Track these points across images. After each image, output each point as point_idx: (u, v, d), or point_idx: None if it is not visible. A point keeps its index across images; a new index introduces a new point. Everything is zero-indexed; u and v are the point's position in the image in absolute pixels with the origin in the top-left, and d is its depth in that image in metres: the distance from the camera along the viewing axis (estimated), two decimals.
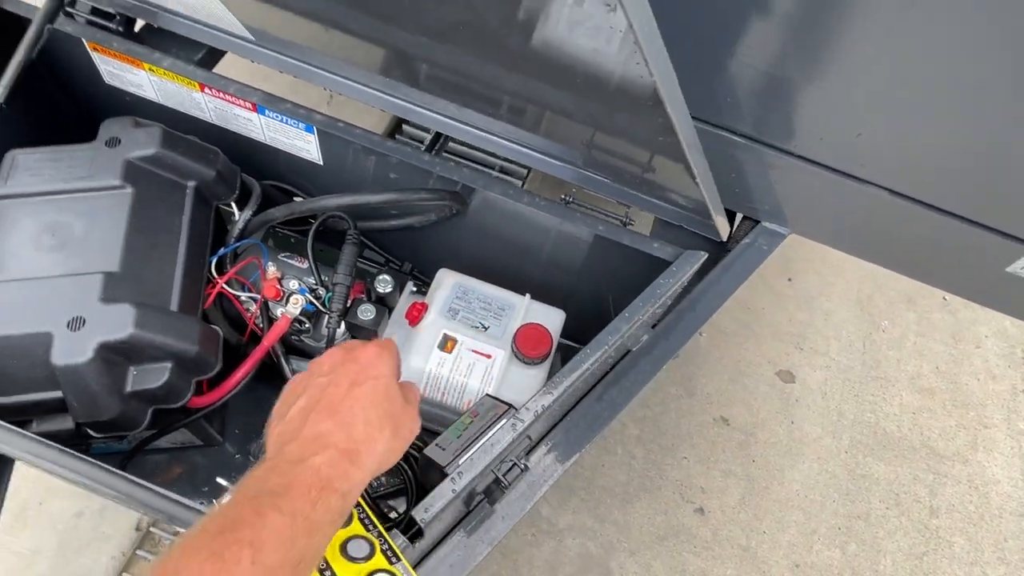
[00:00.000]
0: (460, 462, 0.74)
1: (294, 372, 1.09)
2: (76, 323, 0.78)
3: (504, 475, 0.77)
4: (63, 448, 0.68)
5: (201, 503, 0.68)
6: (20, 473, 1.54)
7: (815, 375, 1.98)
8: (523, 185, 1.37)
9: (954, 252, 1.24)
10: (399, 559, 0.62)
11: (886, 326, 2.10)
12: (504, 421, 0.78)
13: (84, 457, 0.68)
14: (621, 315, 0.87)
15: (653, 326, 1.17)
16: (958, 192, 1.12)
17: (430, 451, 0.80)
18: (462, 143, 1.43)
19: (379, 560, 0.61)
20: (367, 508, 0.65)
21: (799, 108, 1.09)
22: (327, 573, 0.59)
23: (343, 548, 0.62)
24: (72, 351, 0.77)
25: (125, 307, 0.80)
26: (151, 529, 1.54)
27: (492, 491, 0.79)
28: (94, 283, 0.81)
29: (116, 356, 0.80)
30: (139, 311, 0.80)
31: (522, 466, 0.79)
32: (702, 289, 1.23)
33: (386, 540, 0.63)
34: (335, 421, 0.57)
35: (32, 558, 1.47)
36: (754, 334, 2.02)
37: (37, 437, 0.67)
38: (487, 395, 0.90)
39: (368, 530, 0.64)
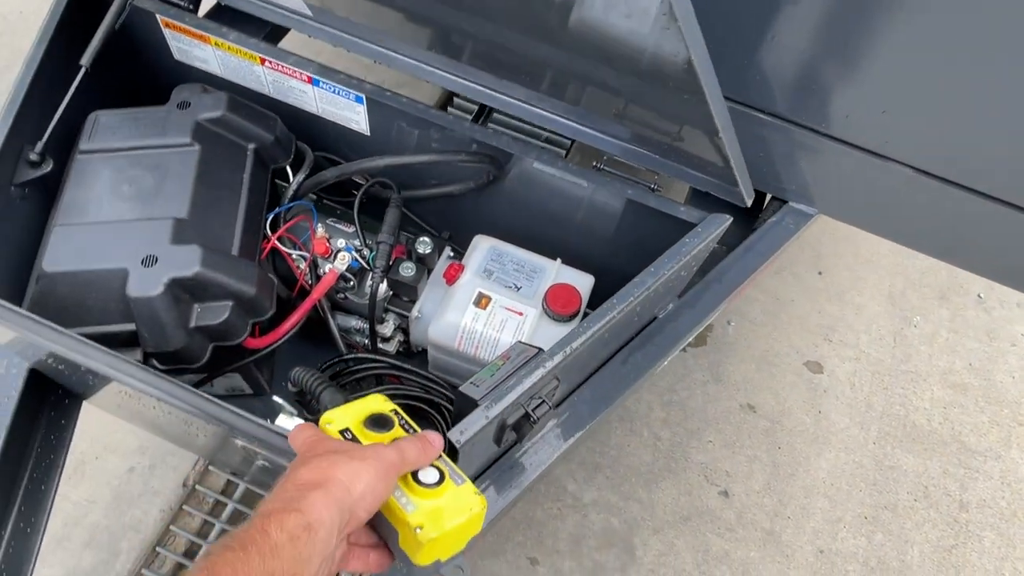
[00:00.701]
0: (492, 394, 0.80)
1: (338, 327, 1.17)
2: (149, 260, 0.87)
3: (533, 410, 0.82)
4: (149, 368, 0.75)
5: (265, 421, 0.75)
6: (79, 430, 1.65)
7: (844, 367, 1.98)
8: (566, 156, 1.43)
9: (980, 232, 1.26)
10: (463, 479, 0.65)
11: (918, 322, 2.09)
12: (534, 361, 0.83)
13: (172, 379, 0.76)
14: (647, 270, 0.92)
15: (680, 296, 1.22)
16: (985, 170, 1.14)
17: (465, 388, 0.85)
18: (505, 115, 1.51)
19: (448, 484, 0.63)
20: (408, 419, 0.70)
21: (826, 86, 1.13)
22: (403, 499, 0.62)
23: (414, 475, 0.64)
24: (146, 285, 0.85)
25: (193, 248, 0.88)
26: (196, 487, 1.63)
27: (521, 426, 0.84)
28: (165, 227, 0.89)
29: (183, 293, 0.88)
30: (205, 252, 0.88)
31: (551, 404, 0.84)
32: (729, 263, 1.27)
33: (454, 469, 0.66)
34: None
35: (88, 508, 1.57)
36: (782, 324, 2.04)
37: (132, 360, 0.74)
38: (519, 342, 0.95)
39: (406, 431, 0.68)
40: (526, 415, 0.83)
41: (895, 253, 2.20)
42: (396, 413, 0.70)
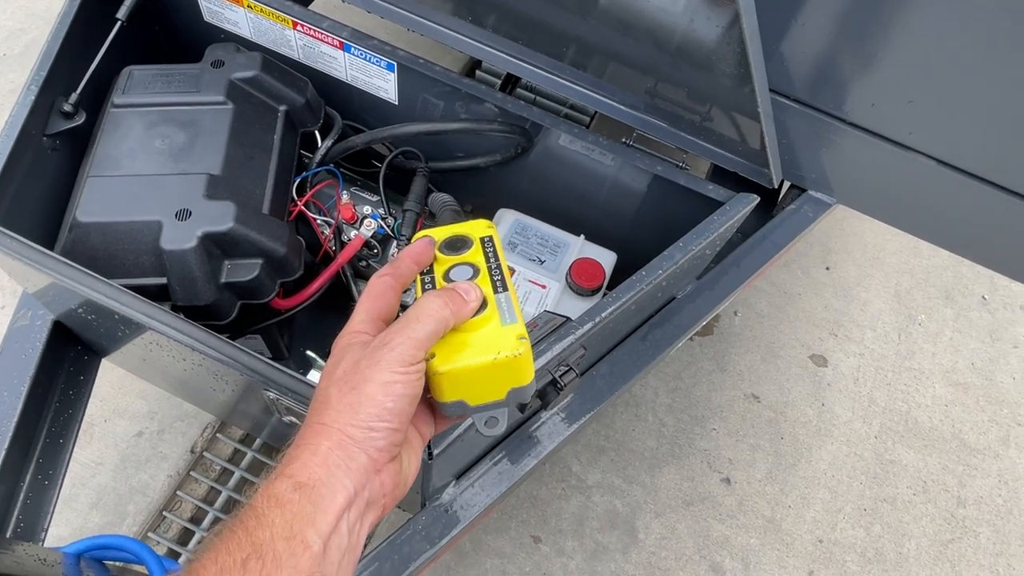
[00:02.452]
0: None
1: (359, 294, 1.17)
2: (183, 214, 0.87)
3: (560, 377, 0.83)
4: (188, 320, 0.76)
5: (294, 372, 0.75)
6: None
7: (848, 361, 2.00)
8: (588, 126, 1.44)
9: (1002, 228, 1.27)
10: (506, 289, 0.56)
11: (923, 320, 2.11)
12: (563, 328, 0.84)
13: (210, 331, 0.76)
14: (675, 244, 0.93)
15: (699, 277, 1.23)
16: (1011, 165, 1.15)
17: None
18: (531, 88, 1.51)
19: (489, 318, 0.54)
20: (497, 244, 0.61)
21: (851, 73, 1.13)
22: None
23: (446, 273, 0.58)
24: (179, 238, 0.86)
25: (227, 203, 0.88)
26: (204, 454, 1.64)
27: (548, 393, 0.85)
28: (199, 182, 0.90)
29: (215, 248, 0.89)
30: (239, 208, 0.88)
31: (577, 372, 0.85)
32: (747, 248, 1.28)
33: (500, 271, 0.57)
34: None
35: (96, 469, 1.58)
36: (789, 317, 2.05)
37: (168, 310, 0.75)
38: (546, 311, 0.96)
39: (486, 259, 0.59)
40: (553, 381, 0.84)
41: (902, 251, 2.22)
42: (488, 242, 0.60)
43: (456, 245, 0.60)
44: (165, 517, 1.56)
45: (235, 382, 0.85)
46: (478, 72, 1.55)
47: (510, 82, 1.50)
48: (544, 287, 1.07)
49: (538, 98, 1.50)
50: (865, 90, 1.14)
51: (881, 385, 1.98)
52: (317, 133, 1.11)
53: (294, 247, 0.95)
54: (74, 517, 1.52)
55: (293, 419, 0.84)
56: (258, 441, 1.65)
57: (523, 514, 1.68)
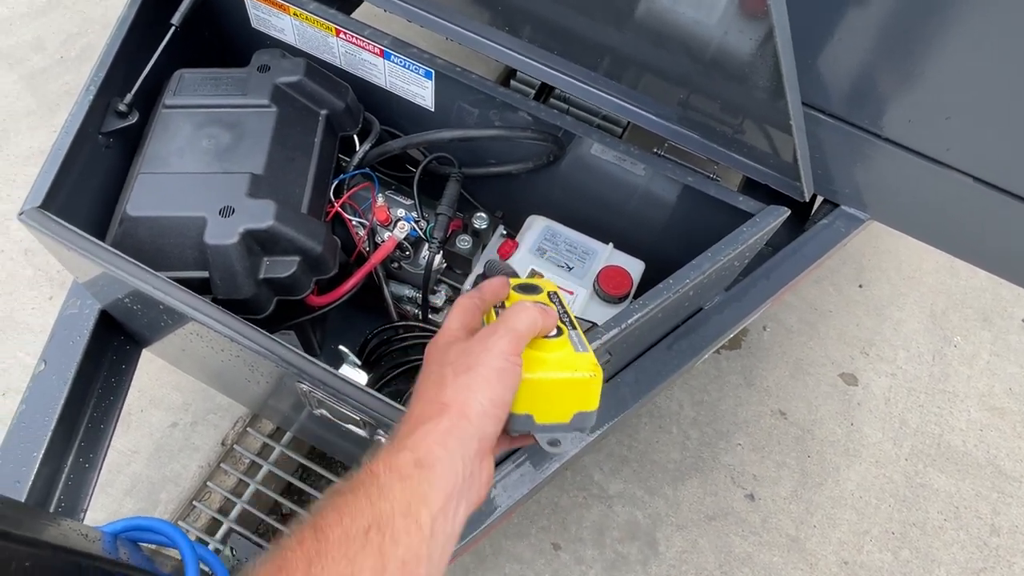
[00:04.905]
0: None
1: (392, 295, 1.20)
2: (226, 211, 0.91)
3: None
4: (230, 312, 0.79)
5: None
6: None
7: (879, 381, 1.97)
8: (621, 136, 1.45)
9: None
10: (575, 327, 0.59)
11: (958, 342, 2.06)
12: (589, 334, 0.85)
13: (251, 324, 0.79)
14: (704, 254, 0.93)
15: (727, 289, 1.23)
16: None
17: None
18: (565, 98, 1.53)
19: (564, 343, 0.57)
20: (561, 299, 0.64)
21: (888, 88, 1.13)
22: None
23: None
24: (222, 233, 0.89)
25: (268, 202, 0.92)
26: (234, 447, 1.68)
27: None
28: (242, 181, 0.93)
29: (255, 244, 0.92)
30: (279, 207, 0.92)
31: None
32: (777, 261, 1.28)
33: (567, 314, 0.61)
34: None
35: (131, 457, 1.63)
36: (819, 334, 2.03)
37: (210, 302, 0.78)
38: (585, 320, 0.97)
39: (552, 302, 0.62)
40: None
41: (939, 271, 2.18)
42: (553, 294, 0.64)
43: (528, 289, 0.64)
44: (195, 507, 1.61)
45: (270, 374, 0.88)
46: (513, 81, 1.58)
47: (544, 91, 1.52)
48: (571, 293, 1.08)
49: (571, 108, 1.52)
50: (901, 105, 1.14)
51: (913, 407, 1.94)
52: (356, 137, 1.15)
53: (330, 246, 0.98)
54: (109, 502, 1.57)
55: (324, 412, 0.87)
56: (286, 436, 1.69)
57: (543, 520, 1.68)
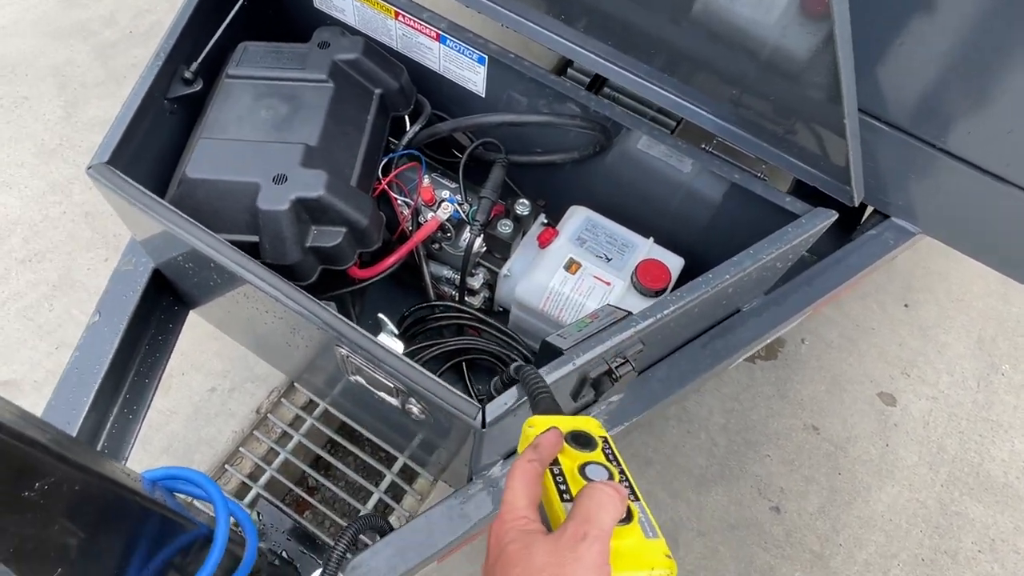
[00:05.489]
0: (580, 346, 0.83)
1: (431, 274, 1.22)
2: (280, 179, 0.94)
3: (616, 368, 0.85)
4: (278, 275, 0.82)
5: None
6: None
7: (919, 404, 1.91)
8: (672, 133, 1.44)
9: None
10: (637, 498, 0.57)
11: (1006, 371, 1.99)
12: (624, 322, 0.86)
13: (298, 287, 0.82)
14: (745, 251, 0.92)
15: (767, 293, 1.21)
16: None
17: (551, 339, 0.89)
18: (614, 90, 1.53)
19: (634, 530, 0.54)
20: (614, 448, 0.62)
21: (948, 99, 1.10)
22: (566, 496, 0.56)
23: (583, 469, 0.58)
24: (274, 199, 0.93)
25: (320, 172, 0.95)
26: (268, 415, 1.73)
27: (602, 382, 0.86)
28: (297, 151, 0.96)
29: (305, 213, 0.95)
30: (330, 177, 0.94)
31: (633, 366, 0.86)
32: (820, 268, 1.26)
33: (627, 476, 0.58)
34: None
35: (170, 417, 1.69)
36: (859, 351, 1.98)
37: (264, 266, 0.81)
38: (608, 304, 0.98)
39: (609, 460, 0.60)
40: (609, 371, 0.85)
41: (990, 296, 2.11)
42: (604, 440, 0.62)
43: (581, 440, 0.60)
44: (226, 470, 1.66)
45: (310, 338, 0.91)
46: (568, 71, 1.58)
47: (597, 83, 1.53)
48: (609, 284, 1.09)
49: (621, 97, 1.52)
50: (961, 117, 1.11)
51: (953, 432, 1.88)
52: (407, 118, 1.17)
53: (375, 220, 1.00)
54: (146, 458, 1.63)
55: (360, 379, 0.89)
56: (318, 409, 1.73)
57: None
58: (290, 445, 1.70)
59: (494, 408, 0.77)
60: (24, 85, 2.14)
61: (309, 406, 1.77)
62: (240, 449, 1.69)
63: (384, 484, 1.68)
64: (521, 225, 1.18)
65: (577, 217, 1.16)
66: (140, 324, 1.13)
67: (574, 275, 1.09)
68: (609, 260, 1.12)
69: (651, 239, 1.16)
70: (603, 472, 0.57)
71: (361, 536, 0.93)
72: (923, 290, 2.11)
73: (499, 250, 1.17)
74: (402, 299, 1.29)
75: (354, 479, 1.68)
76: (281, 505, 1.66)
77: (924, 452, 1.84)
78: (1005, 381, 1.97)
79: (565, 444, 0.59)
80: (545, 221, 1.23)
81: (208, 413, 1.71)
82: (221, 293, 1.00)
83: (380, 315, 1.03)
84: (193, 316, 1.28)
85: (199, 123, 1.04)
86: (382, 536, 0.94)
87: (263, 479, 1.67)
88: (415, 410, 0.85)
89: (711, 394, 1.88)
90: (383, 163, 1.15)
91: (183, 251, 0.91)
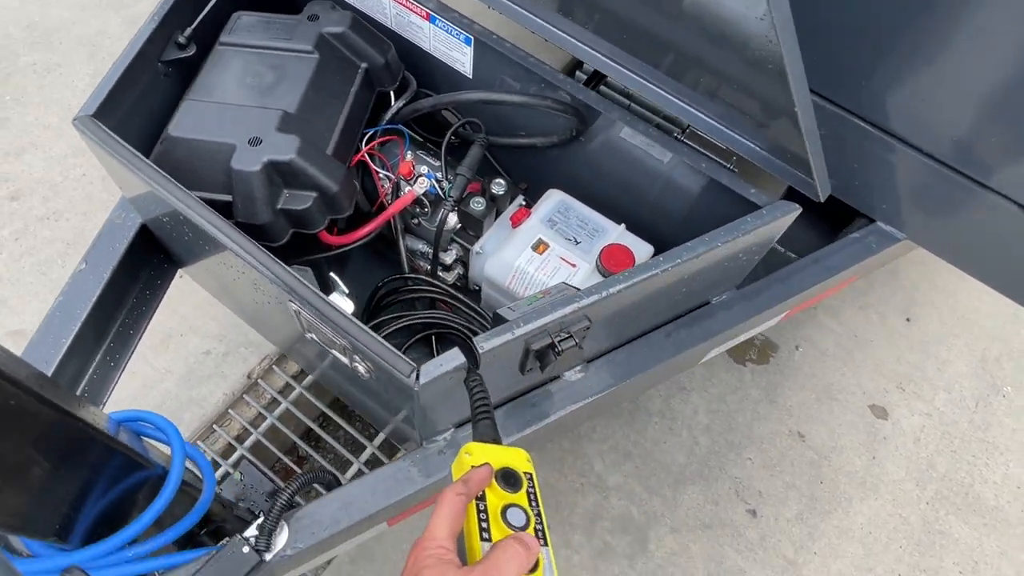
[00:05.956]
0: (523, 317, 0.84)
1: (407, 248, 1.25)
2: (255, 141, 0.98)
3: (559, 342, 0.86)
4: (249, 238, 0.85)
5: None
6: (173, 308, 1.84)
7: (912, 419, 1.87)
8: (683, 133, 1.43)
9: None
10: (547, 543, 0.62)
11: (1008, 392, 1.94)
12: (568, 296, 0.87)
13: (253, 241, 0.86)
14: (700, 238, 0.93)
15: (739, 286, 1.21)
16: None
17: (502, 311, 0.91)
18: (616, 91, 1.53)
19: (531, 531, 0.61)
20: (536, 486, 0.68)
21: (935, 101, 1.08)
22: (486, 535, 0.62)
23: (504, 512, 0.63)
24: (247, 160, 0.96)
25: (293, 137, 0.98)
26: (259, 381, 1.78)
27: (546, 354, 0.88)
28: (274, 116, 1.00)
29: (277, 176, 0.99)
30: (303, 143, 0.98)
31: (578, 342, 0.88)
32: (797, 267, 1.25)
33: (541, 521, 0.64)
34: None
35: (164, 376, 1.76)
36: (855, 362, 1.95)
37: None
38: (563, 282, 0.99)
39: (530, 504, 0.65)
40: (552, 345, 0.87)
41: (998, 316, 2.05)
42: (529, 477, 0.68)
43: (510, 480, 0.66)
44: (215, 430, 1.72)
45: (269, 293, 0.95)
46: (578, 72, 1.59)
47: (595, 78, 1.53)
48: (574, 266, 1.10)
49: (617, 96, 1.53)
50: (945, 121, 1.09)
51: (945, 451, 1.84)
52: (392, 94, 1.20)
53: (346, 188, 1.03)
54: None
55: (314, 336, 0.92)
56: (308, 379, 1.78)
57: None
58: (277, 411, 1.75)
59: (430, 369, 0.80)
60: (58, 53, 2.24)
61: (300, 376, 1.82)
62: (229, 411, 1.74)
63: (364, 456, 1.72)
64: (496, 204, 1.21)
65: (551, 200, 1.18)
66: (127, 277, 1.19)
67: (541, 255, 1.11)
68: (578, 243, 1.13)
69: (622, 225, 1.17)
70: (522, 518, 0.63)
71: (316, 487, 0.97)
72: (927, 304, 2.07)
73: (473, 227, 1.20)
74: (382, 272, 1.32)
75: (341, 452, 1.73)
76: (262, 467, 1.71)
77: (912, 468, 1.80)
78: (1006, 403, 1.92)
79: (494, 481, 0.64)
80: (523, 202, 1.25)
81: (201, 374, 1.77)
82: (198, 250, 1.04)
83: (331, 274, 1.06)
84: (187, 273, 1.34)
85: (190, 87, 1.09)
86: (330, 490, 0.98)
87: (249, 441, 1.72)
88: (361, 369, 0.88)
89: (697, 393, 1.87)
90: (367, 136, 1.18)
91: (158, 203, 0.95)
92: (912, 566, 1.68)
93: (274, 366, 1.81)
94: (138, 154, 0.92)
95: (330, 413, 1.82)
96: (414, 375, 0.79)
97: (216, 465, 1.67)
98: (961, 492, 1.78)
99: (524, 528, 0.63)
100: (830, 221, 1.48)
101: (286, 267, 0.82)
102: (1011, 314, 2.06)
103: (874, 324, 2.02)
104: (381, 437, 1.75)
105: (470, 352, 0.82)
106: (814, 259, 1.26)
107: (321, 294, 0.82)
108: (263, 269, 0.84)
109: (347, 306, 0.97)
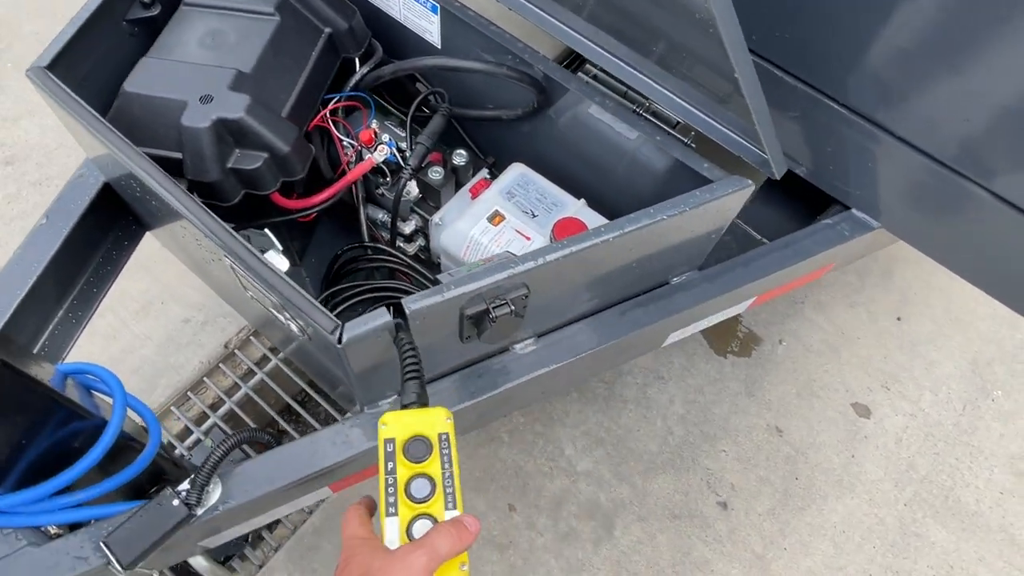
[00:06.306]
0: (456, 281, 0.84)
1: (368, 216, 1.25)
2: (206, 99, 0.98)
3: (494, 308, 0.85)
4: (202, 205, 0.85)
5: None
6: (153, 276, 1.86)
7: (895, 419, 1.83)
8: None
9: None
10: (456, 507, 0.67)
11: (998, 397, 1.89)
12: (502, 262, 0.86)
13: (187, 193, 0.86)
14: (645, 210, 0.91)
15: (700, 268, 1.19)
16: None
17: (441, 277, 0.90)
18: (603, 71, 1.50)
19: (436, 502, 0.66)
20: (452, 446, 0.70)
21: (910, 84, 1.05)
22: (391, 509, 0.67)
23: (407, 485, 0.67)
24: (197, 118, 0.97)
25: (244, 96, 0.98)
26: (236, 351, 1.80)
27: (481, 321, 0.87)
28: (228, 75, 1.00)
29: (227, 134, 0.99)
30: (253, 102, 0.98)
31: (515, 310, 0.87)
32: (764, 251, 1.23)
33: (452, 484, 0.68)
34: None
35: (144, 342, 1.78)
36: (840, 359, 1.91)
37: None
38: (506, 251, 0.98)
39: (443, 467, 0.69)
40: (486, 311, 0.86)
41: (994, 319, 1.99)
42: (444, 439, 0.70)
43: (416, 453, 0.69)
44: (189, 398, 1.73)
45: (211, 251, 0.95)
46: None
47: (576, 60, 1.51)
48: (528, 239, 1.09)
49: (597, 76, 1.50)
50: (917, 100, 1.06)
51: (927, 452, 1.79)
52: (357, 60, 1.20)
53: (299, 150, 1.03)
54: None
55: (253, 295, 0.92)
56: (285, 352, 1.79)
57: (504, 480, 1.69)
58: (252, 381, 1.77)
59: (354, 326, 0.79)
60: (60, 22, 2.27)
61: (277, 348, 1.83)
62: (204, 380, 1.76)
63: None
64: (457, 176, 1.20)
65: (512, 172, 1.16)
66: (90, 235, 1.20)
67: (496, 227, 1.10)
68: (535, 216, 1.12)
69: (582, 200, 1.15)
70: (426, 488, 0.67)
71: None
72: (920, 304, 2.02)
73: (432, 198, 1.19)
74: (344, 238, 1.32)
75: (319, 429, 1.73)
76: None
77: (892, 468, 1.76)
78: (995, 408, 1.87)
79: (400, 456, 0.69)
80: (488, 176, 1.24)
81: (179, 342, 1.79)
82: (150, 208, 1.05)
83: (266, 230, 1.06)
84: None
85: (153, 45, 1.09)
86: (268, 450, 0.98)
87: (222, 410, 1.73)
88: (294, 327, 0.88)
89: (675, 383, 1.85)
90: (332, 102, 1.17)
91: (109, 158, 0.96)
92: (884, 567, 1.64)
93: (251, 337, 1.82)
94: (84, 104, 0.93)
95: (309, 391, 1.83)
96: (338, 332, 0.78)
97: (188, 432, 1.69)
98: (941, 495, 1.74)
99: (427, 499, 0.66)
100: (814, 211, 1.45)
101: (218, 219, 0.82)
102: (1008, 318, 2.01)
103: (863, 322, 1.98)
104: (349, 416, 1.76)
105: (403, 314, 0.82)
106: (783, 244, 1.23)
107: (251, 248, 0.82)
108: (196, 219, 0.84)
109: (281, 263, 0.97)
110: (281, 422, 1.77)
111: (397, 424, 0.70)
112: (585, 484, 1.70)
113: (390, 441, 0.69)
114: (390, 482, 0.68)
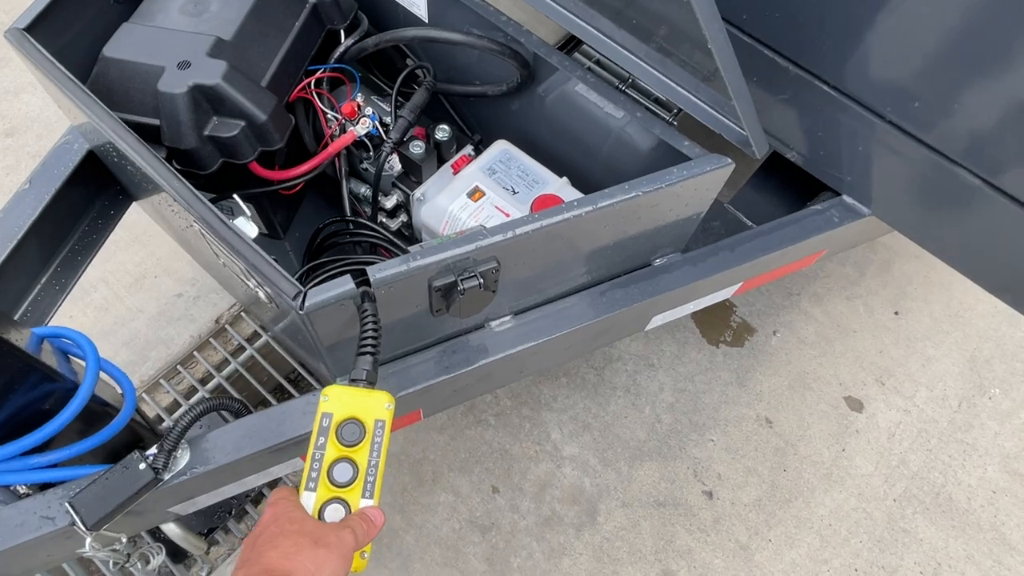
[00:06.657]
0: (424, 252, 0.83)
1: (350, 191, 1.24)
2: (183, 65, 0.97)
3: (463, 281, 0.84)
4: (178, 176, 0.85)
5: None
6: (148, 250, 1.87)
7: (888, 414, 1.81)
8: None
9: None
10: (372, 497, 0.69)
11: (995, 395, 1.86)
12: (472, 235, 0.85)
13: (159, 158, 0.86)
14: (619, 185, 0.90)
15: (684, 250, 1.18)
16: None
17: (412, 248, 0.89)
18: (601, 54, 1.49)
19: (355, 490, 0.68)
20: (387, 433, 0.71)
21: (902, 66, 1.03)
22: (312, 484, 0.69)
23: (332, 466, 0.69)
24: (174, 84, 0.96)
25: (222, 63, 0.97)
26: (227, 327, 1.80)
27: (450, 292, 0.86)
28: (207, 42, 1.00)
29: (204, 101, 0.98)
30: (230, 69, 0.97)
31: (483, 282, 0.86)
32: (749, 235, 1.21)
33: (375, 473, 0.69)
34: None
35: (136, 315, 1.79)
36: (834, 351, 1.89)
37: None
38: (480, 225, 0.97)
39: (371, 454, 0.70)
40: (455, 283, 0.85)
41: (994, 316, 1.96)
42: (380, 426, 0.71)
43: (349, 437, 0.70)
44: (179, 371, 1.74)
45: (183, 217, 0.94)
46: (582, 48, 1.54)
47: (570, 42, 1.49)
48: (508, 215, 1.08)
49: (577, 54, 1.49)
50: (910, 86, 1.03)
51: (920, 449, 1.77)
52: (343, 32, 1.19)
53: (277, 120, 1.03)
54: (107, 348, 1.74)
55: (225, 263, 0.92)
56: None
57: (489, 462, 1.69)
58: (242, 357, 1.77)
59: (316, 293, 0.78)
60: None
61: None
62: (195, 354, 1.77)
63: None
64: (440, 151, 1.19)
65: (495, 149, 1.15)
66: (74, 202, 1.20)
67: (475, 202, 1.09)
68: (515, 193, 1.11)
69: (564, 178, 1.14)
70: (348, 473, 0.69)
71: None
72: (918, 299, 1.98)
73: (413, 172, 1.18)
74: (328, 213, 1.32)
75: None
76: (231, 419, 1.73)
77: (882, 463, 1.74)
78: (991, 405, 1.84)
79: (332, 435, 0.70)
80: (472, 152, 1.23)
81: (171, 316, 1.80)
82: (126, 174, 1.04)
83: (235, 195, 1.06)
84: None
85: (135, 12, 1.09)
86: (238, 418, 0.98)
87: (211, 384, 1.74)
88: (261, 295, 0.87)
89: (665, 371, 1.83)
90: (317, 74, 1.17)
91: (86, 123, 0.96)
92: (870, 562, 1.62)
93: (243, 313, 1.83)
94: (59, 65, 0.92)
95: (300, 370, 1.84)
96: (300, 298, 0.78)
97: (177, 405, 1.70)
98: (932, 492, 1.71)
99: (347, 485, 0.68)
100: (808, 199, 1.42)
101: (187, 183, 0.82)
102: (1008, 315, 1.97)
103: (859, 315, 1.95)
104: None
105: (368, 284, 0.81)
106: (770, 228, 1.21)
107: (217, 211, 0.82)
108: (160, 180, 0.84)
109: (250, 230, 0.96)
110: (272, 401, 1.78)
111: (338, 401, 0.71)
112: (570, 469, 1.69)
113: (327, 416, 0.70)
114: (316, 457, 0.69)
